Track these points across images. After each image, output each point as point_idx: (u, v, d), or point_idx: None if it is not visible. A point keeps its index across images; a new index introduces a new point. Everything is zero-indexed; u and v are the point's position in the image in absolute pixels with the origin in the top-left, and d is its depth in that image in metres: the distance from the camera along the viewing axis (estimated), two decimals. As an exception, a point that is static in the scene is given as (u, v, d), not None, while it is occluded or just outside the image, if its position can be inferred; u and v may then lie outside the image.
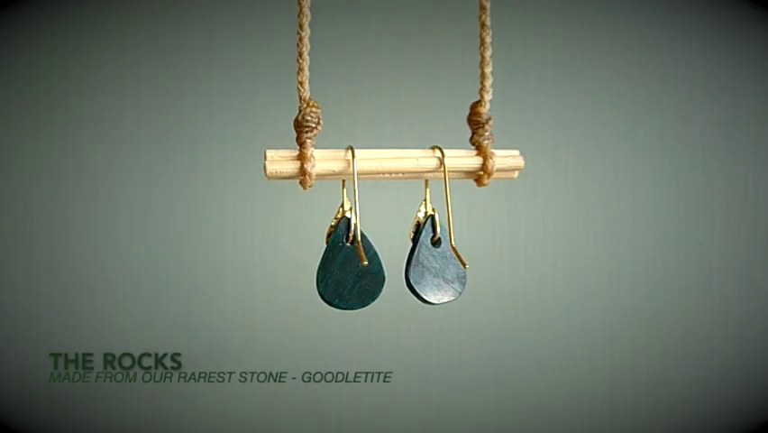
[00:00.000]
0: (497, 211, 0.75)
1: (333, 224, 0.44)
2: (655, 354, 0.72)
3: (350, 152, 0.44)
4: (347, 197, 0.44)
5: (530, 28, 0.74)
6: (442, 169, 0.46)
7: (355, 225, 0.44)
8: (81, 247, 0.82)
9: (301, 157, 0.42)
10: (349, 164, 0.43)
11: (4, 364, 0.82)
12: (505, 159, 0.48)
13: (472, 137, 0.48)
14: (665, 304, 0.72)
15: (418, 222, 0.47)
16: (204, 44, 0.80)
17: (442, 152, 0.46)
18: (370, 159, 0.44)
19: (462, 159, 0.47)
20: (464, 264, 0.46)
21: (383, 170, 0.45)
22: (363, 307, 0.44)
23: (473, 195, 0.75)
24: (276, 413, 0.79)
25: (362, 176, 0.44)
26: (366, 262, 0.43)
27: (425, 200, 0.46)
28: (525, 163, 0.50)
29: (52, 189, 0.82)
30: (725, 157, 0.71)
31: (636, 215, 0.72)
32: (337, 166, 0.43)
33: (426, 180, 0.46)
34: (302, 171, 0.42)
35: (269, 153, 0.43)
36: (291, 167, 0.42)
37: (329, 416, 0.78)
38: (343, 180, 0.44)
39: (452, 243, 0.47)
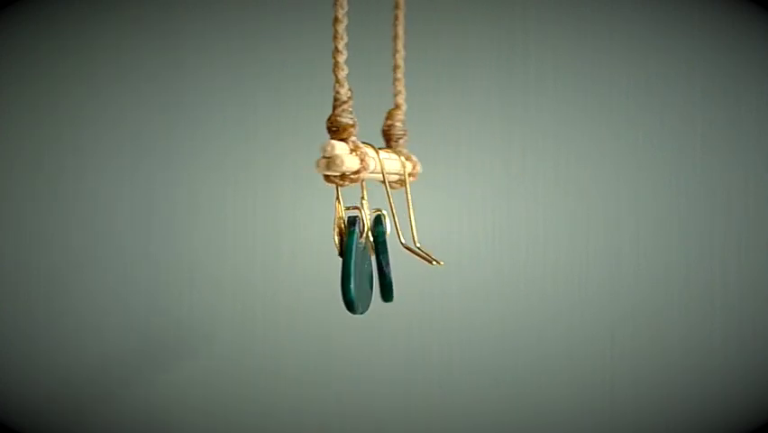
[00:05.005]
0: (498, 211, 0.75)
1: (340, 224, 0.41)
2: (656, 354, 0.72)
3: (371, 149, 0.43)
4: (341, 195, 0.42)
5: (531, 27, 0.74)
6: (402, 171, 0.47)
7: (395, 225, 0.43)
8: (80, 246, 0.82)
9: (359, 151, 0.40)
10: (375, 162, 0.43)
11: (4, 364, 0.82)
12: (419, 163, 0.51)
13: (395, 143, 0.50)
14: (666, 304, 0.72)
15: (369, 223, 0.44)
16: (204, 43, 0.80)
17: (408, 157, 0.47)
18: (385, 159, 0.44)
19: (396, 162, 0.48)
20: (438, 262, 0.45)
21: (389, 171, 0.45)
22: (367, 309, 0.43)
23: (473, 194, 0.75)
24: (276, 414, 0.79)
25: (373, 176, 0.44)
26: (443, 263, 0.42)
27: (365, 199, 0.44)
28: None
29: (52, 189, 0.82)
30: (725, 157, 0.71)
31: (637, 214, 0.72)
32: (371, 164, 0.42)
33: (363, 181, 0.44)
34: (363, 166, 0.40)
35: (338, 145, 0.39)
36: (353, 162, 0.39)
37: (330, 416, 0.78)
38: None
39: (417, 244, 0.45)
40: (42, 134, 0.82)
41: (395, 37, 0.50)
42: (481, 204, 0.75)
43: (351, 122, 0.40)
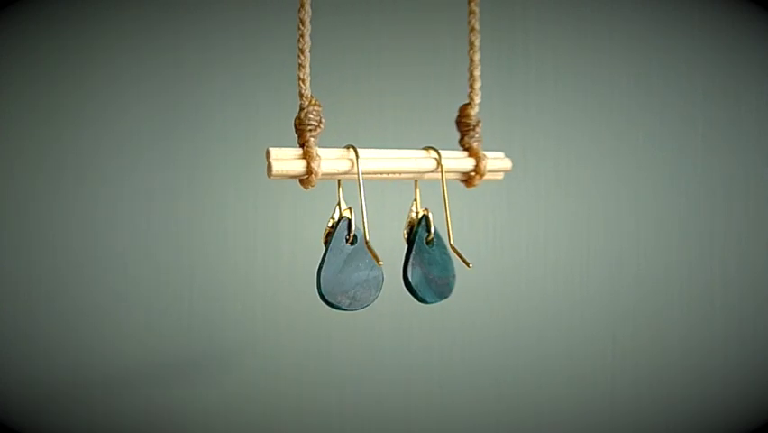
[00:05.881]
0: (498, 211, 0.75)
1: (330, 225, 0.43)
2: (657, 354, 0.72)
3: (352, 151, 0.43)
4: (343, 197, 0.43)
5: (531, 27, 0.74)
6: (439, 170, 0.46)
7: (363, 225, 0.44)
8: (81, 247, 0.82)
9: (307, 156, 0.42)
10: (352, 163, 0.43)
11: (4, 364, 0.82)
12: (494, 161, 0.49)
13: (462, 139, 0.49)
14: (666, 304, 0.72)
15: (412, 222, 0.47)
16: (204, 43, 0.80)
17: (438, 153, 0.47)
18: (371, 158, 0.44)
19: (457, 160, 0.48)
20: (467, 263, 0.46)
21: (382, 171, 0.45)
22: (363, 308, 0.44)
23: (474, 195, 0.75)
24: (276, 413, 0.79)
25: (363, 176, 0.44)
26: (382, 262, 0.43)
27: (416, 200, 0.46)
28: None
29: (52, 189, 0.82)
30: (726, 157, 0.71)
31: (637, 215, 0.73)
32: (341, 165, 0.43)
33: (416, 180, 0.46)
34: (309, 170, 0.42)
35: (273, 151, 0.42)
36: (297, 166, 0.42)
37: (330, 416, 0.78)
38: (339, 180, 0.43)
39: (452, 242, 0.47)
40: (42, 134, 0.82)
41: (471, 30, 0.49)
42: (482, 204, 0.75)
43: (307, 128, 0.42)
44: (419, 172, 0.46)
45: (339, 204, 0.43)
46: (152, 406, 0.81)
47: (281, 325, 0.79)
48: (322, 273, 0.42)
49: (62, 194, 0.82)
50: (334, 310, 0.43)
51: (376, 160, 0.44)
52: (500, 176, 0.50)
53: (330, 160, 0.43)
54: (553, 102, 0.74)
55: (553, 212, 0.74)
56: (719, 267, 0.71)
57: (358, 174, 0.43)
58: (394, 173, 0.46)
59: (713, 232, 0.71)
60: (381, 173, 0.45)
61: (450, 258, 0.48)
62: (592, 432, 0.74)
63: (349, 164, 0.43)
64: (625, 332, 0.73)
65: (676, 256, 0.72)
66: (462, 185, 0.49)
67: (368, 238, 0.43)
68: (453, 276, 0.49)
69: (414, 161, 0.46)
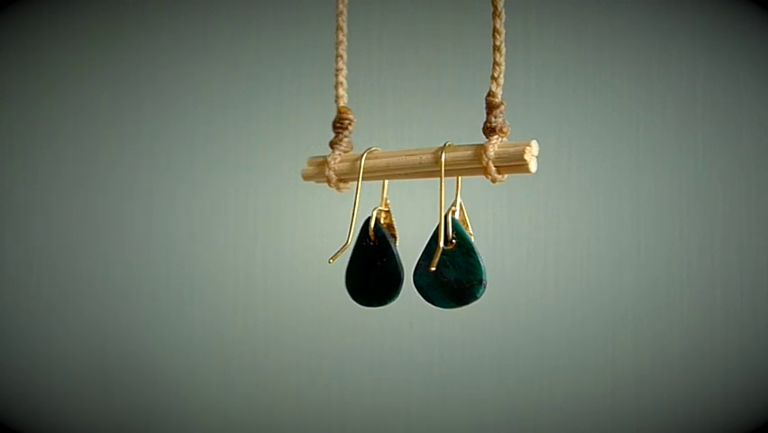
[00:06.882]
0: (498, 211, 0.75)
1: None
2: (657, 354, 0.72)
3: (365, 153, 0.45)
4: (386, 196, 0.46)
5: (532, 27, 0.74)
6: (438, 166, 0.45)
7: (356, 223, 0.45)
8: (82, 247, 0.82)
9: (323, 162, 0.47)
10: (359, 165, 0.45)
11: (4, 364, 0.82)
12: (505, 149, 0.44)
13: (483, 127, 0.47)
14: (667, 304, 0.72)
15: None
16: (205, 44, 0.80)
17: (443, 149, 0.46)
18: (376, 158, 0.45)
19: (463, 153, 0.45)
20: (433, 265, 0.45)
21: (390, 170, 0.46)
22: (381, 305, 0.45)
23: (475, 194, 0.75)
24: (277, 413, 0.79)
25: (375, 175, 0.45)
26: (331, 261, 0.45)
27: (455, 200, 0.46)
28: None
29: (52, 189, 0.82)
30: (727, 157, 0.71)
31: (638, 215, 0.73)
32: (352, 167, 0.46)
33: (458, 179, 0.46)
34: (321, 174, 0.46)
35: (309, 159, 0.47)
36: (315, 171, 0.47)
37: (331, 416, 0.78)
38: (384, 181, 0.46)
39: (440, 243, 0.45)
40: (43, 134, 0.82)
41: (494, 14, 0.44)
42: (482, 204, 0.75)
43: (336, 136, 0.47)
44: (424, 169, 0.46)
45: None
46: (152, 406, 0.81)
47: (281, 324, 0.79)
48: (350, 273, 0.46)
49: (62, 194, 0.82)
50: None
51: (380, 159, 0.45)
52: (528, 168, 0.44)
53: (345, 163, 0.46)
54: (554, 102, 0.74)
55: (553, 212, 0.74)
56: (720, 267, 0.71)
57: (359, 174, 0.44)
58: (404, 171, 0.46)
59: (713, 232, 0.71)
60: (391, 173, 0.45)
61: (478, 263, 0.46)
62: (592, 432, 0.74)
63: (357, 166, 0.46)
64: (625, 332, 0.73)
65: (676, 256, 0.72)
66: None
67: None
68: (480, 282, 0.46)
69: (417, 157, 0.46)
